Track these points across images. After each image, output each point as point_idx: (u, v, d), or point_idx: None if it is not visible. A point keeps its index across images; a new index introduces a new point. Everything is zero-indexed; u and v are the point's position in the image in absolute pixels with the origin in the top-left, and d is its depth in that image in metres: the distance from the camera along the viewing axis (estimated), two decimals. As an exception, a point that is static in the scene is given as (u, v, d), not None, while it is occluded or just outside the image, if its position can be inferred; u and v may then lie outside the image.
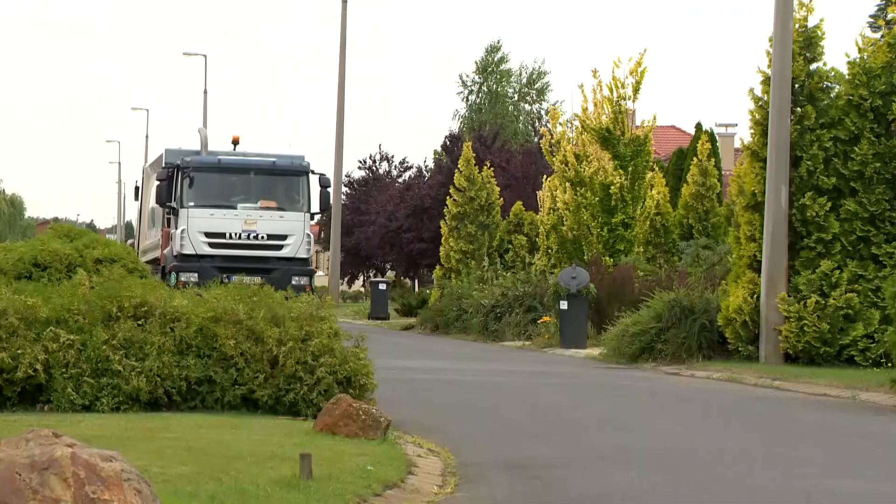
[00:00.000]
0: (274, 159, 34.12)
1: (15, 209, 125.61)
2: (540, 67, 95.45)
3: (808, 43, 24.43)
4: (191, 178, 32.99)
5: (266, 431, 11.91)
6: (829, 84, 24.37)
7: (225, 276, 30.47)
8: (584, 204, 37.50)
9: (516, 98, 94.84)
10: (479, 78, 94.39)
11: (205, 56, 70.16)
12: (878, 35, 25.30)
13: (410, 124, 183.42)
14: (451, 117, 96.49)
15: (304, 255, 33.17)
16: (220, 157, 34.13)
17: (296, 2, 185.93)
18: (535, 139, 70.60)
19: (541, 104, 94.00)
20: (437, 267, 49.98)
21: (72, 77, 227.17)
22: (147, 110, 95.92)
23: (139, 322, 13.81)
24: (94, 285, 14.44)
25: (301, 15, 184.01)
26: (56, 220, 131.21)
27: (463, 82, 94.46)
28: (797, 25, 24.38)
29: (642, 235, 38.68)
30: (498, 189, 49.84)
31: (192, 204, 32.90)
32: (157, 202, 34.19)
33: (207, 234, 32.57)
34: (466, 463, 11.19)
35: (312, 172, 33.87)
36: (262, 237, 32.66)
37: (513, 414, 15.62)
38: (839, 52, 44.61)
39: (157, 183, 33.71)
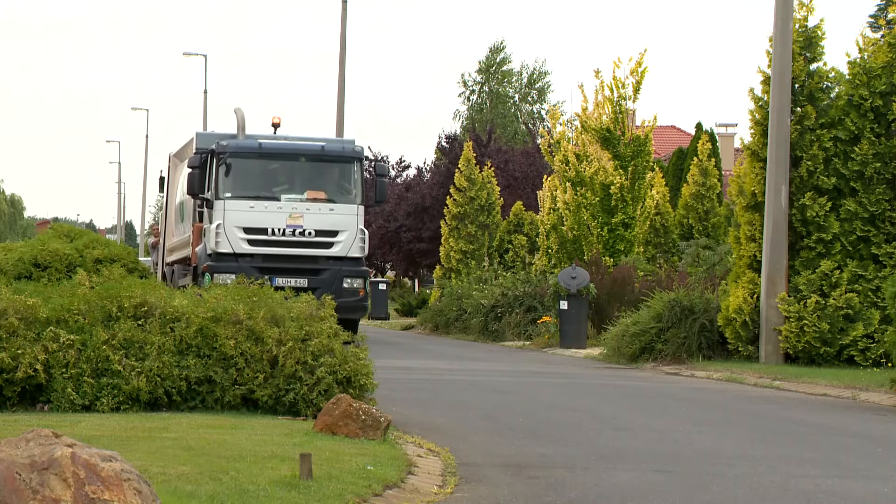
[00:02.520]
0: (322, 143, 30.42)
1: (15, 209, 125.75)
2: (541, 67, 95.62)
3: (808, 43, 24.44)
4: (227, 164, 29.35)
5: (266, 431, 11.91)
6: (829, 84, 24.38)
7: (266, 277, 27.37)
8: (585, 204, 37.51)
9: (517, 98, 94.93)
10: (481, 78, 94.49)
11: (205, 56, 70.30)
12: (878, 35, 25.31)
13: (411, 124, 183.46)
14: (451, 117, 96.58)
15: (357, 254, 29.47)
16: (260, 140, 30.29)
17: (296, 2, 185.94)
18: (534, 139, 70.63)
19: (541, 104, 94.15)
20: (437, 267, 50.00)
21: (72, 77, 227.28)
22: (147, 110, 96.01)
23: (139, 322, 13.82)
24: (94, 285, 14.45)
25: (301, 15, 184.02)
26: (56, 220, 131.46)
27: (465, 82, 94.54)
28: (797, 25, 24.39)
29: (642, 235, 38.70)
30: (498, 189, 49.92)
31: (228, 195, 29.25)
32: (188, 193, 30.27)
33: (246, 230, 29.00)
34: (466, 463, 11.19)
35: (366, 159, 31.15)
36: (310, 233, 29.12)
37: (513, 414, 15.62)
38: (839, 52, 44.65)
39: (189, 171, 29.80)
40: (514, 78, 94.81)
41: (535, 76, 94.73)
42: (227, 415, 13.31)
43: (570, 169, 37.81)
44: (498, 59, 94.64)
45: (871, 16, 60.22)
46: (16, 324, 13.41)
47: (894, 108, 23.52)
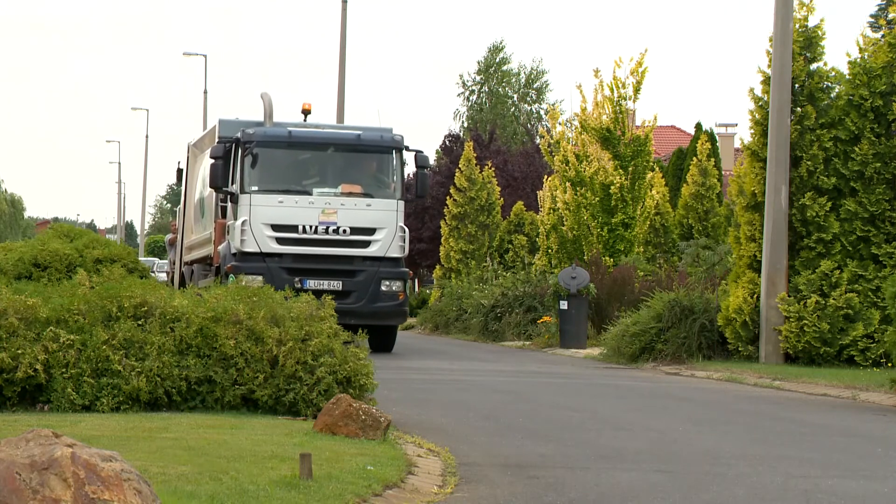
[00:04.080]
0: (359, 132, 27.74)
1: (15, 209, 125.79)
2: (539, 67, 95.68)
3: (809, 43, 24.45)
4: (254, 155, 26.85)
5: (266, 431, 11.91)
6: (829, 84, 24.38)
7: (297, 279, 26.04)
8: (585, 204, 37.52)
9: (516, 98, 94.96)
10: (481, 78, 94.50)
11: (205, 56, 70.41)
12: (878, 35, 25.32)
13: (411, 124, 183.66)
14: (451, 117, 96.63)
15: (396, 254, 27.03)
16: (290, 128, 27.75)
17: (296, 2, 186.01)
18: (532, 139, 70.57)
19: (540, 104, 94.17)
20: (437, 267, 50.02)
21: (72, 77, 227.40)
22: (147, 110, 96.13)
23: (139, 322, 13.82)
24: (94, 285, 14.45)
25: (301, 15, 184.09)
26: (56, 220, 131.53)
27: (463, 83, 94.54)
28: (797, 25, 24.39)
29: (642, 235, 38.71)
30: (498, 189, 49.95)
31: (255, 188, 26.83)
32: (210, 186, 27.76)
33: (275, 227, 26.60)
34: (466, 463, 11.19)
35: (406, 149, 27.71)
36: (344, 231, 26.66)
37: (513, 414, 15.62)
38: (839, 52, 44.69)
39: (212, 162, 27.14)
40: (513, 78, 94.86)
41: (533, 76, 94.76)
42: (227, 415, 13.32)
43: (569, 169, 37.83)
44: (497, 60, 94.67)
45: (871, 16, 60.25)
46: (16, 324, 13.42)
47: (894, 108, 23.52)
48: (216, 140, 28.07)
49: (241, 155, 26.93)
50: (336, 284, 26.34)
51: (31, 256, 24.60)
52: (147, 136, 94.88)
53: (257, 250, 26.45)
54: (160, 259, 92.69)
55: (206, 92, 69.78)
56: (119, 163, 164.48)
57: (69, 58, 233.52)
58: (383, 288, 26.77)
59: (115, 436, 11.20)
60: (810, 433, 14.47)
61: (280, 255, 26.55)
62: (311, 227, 26.56)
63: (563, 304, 30.71)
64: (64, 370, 13.38)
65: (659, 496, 9.80)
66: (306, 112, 29.23)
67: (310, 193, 26.94)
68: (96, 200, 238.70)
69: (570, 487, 10.08)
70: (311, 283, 25.94)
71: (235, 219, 26.86)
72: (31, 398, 13.47)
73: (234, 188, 26.99)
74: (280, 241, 26.56)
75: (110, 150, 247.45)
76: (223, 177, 26.94)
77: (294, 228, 26.57)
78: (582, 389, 20.02)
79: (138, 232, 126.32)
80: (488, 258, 46.56)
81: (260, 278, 24.82)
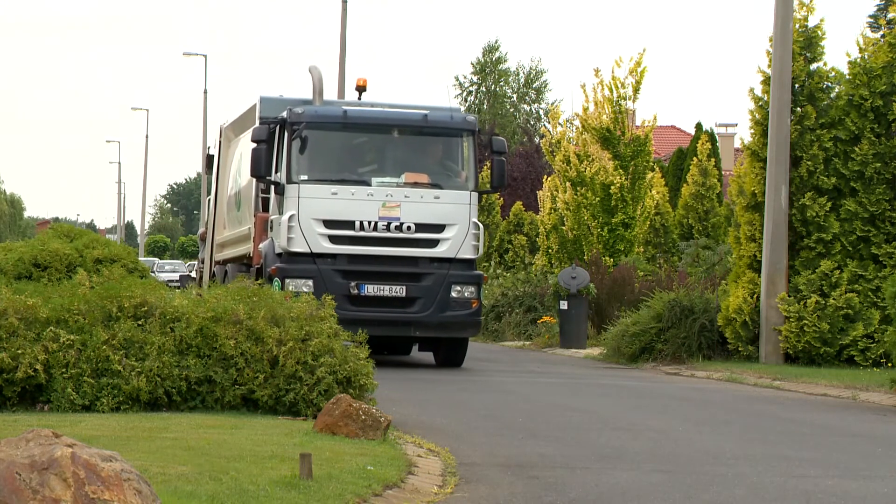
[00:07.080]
0: (425, 112, 23.76)
1: (15, 209, 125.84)
2: (538, 66, 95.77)
3: (809, 43, 24.45)
4: (303, 138, 23.04)
5: (266, 431, 11.91)
6: (829, 84, 24.39)
7: (353, 284, 22.83)
8: (585, 204, 37.53)
9: (515, 98, 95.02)
10: (478, 78, 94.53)
11: (205, 56, 70.49)
12: (878, 35, 25.32)
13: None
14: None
15: (468, 255, 23.29)
16: (345, 107, 24.01)
17: (296, 2, 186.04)
18: (530, 138, 70.55)
19: (539, 104, 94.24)
20: (437, 267, 49.96)
21: (72, 77, 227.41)
22: (147, 110, 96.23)
23: (139, 322, 13.82)
24: (94, 285, 14.45)
25: (301, 15, 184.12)
26: (56, 220, 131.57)
27: (460, 84, 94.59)
28: (797, 25, 24.39)
29: (642, 235, 38.72)
30: (497, 189, 49.92)
31: (304, 177, 23.05)
32: (252, 174, 23.75)
33: (327, 224, 22.89)
34: (466, 463, 11.19)
35: (479, 132, 24.41)
36: (408, 228, 22.93)
37: (513, 414, 15.62)
38: (839, 52, 44.71)
39: (253, 146, 23.31)
40: (511, 77, 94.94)
41: (532, 76, 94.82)
42: (227, 415, 13.31)
43: (571, 168, 37.84)
44: (494, 59, 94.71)
45: (870, 16, 60.24)
46: (16, 324, 13.41)
47: (894, 108, 23.52)
48: (257, 121, 24.38)
49: (288, 138, 23.15)
50: (399, 290, 23.18)
51: (31, 256, 24.57)
52: (147, 136, 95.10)
53: (307, 250, 22.84)
54: (160, 259, 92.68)
55: (206, 92, 69.86)
56: (119, 163, 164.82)
57: (69, 57, 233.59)
58: (454, 294, 23.34)
59: (115, 436, 11.20)
60: (810, 433, 14.47)
61: (333, 256, 22.97)
62: (369, 223, 22.90)
63: (563, 304, 30.70)
64: (64, 370, 13.38)
65: (659, 496, 9.80)
66: (361, 88, 25.54)
67: (368, 184, 23.25)
68: (96, 200, 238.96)
69: (571, 487, 10.08)
70: (370, 289, 22.97)
71: (281, 213, 23.23)
72: (31, 398, 13.46)
73: (280, 177, 23.30)
74: (333, 239, 22.95)
75: (110, 150, 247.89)
76: (266, 164, 23.26)
77: (350, 225, 22.93)
78: (582, 389, 20.02)
79: (138, 232, 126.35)
80: (487, 258, 46.54)
81: (310, 282, 22.41)
